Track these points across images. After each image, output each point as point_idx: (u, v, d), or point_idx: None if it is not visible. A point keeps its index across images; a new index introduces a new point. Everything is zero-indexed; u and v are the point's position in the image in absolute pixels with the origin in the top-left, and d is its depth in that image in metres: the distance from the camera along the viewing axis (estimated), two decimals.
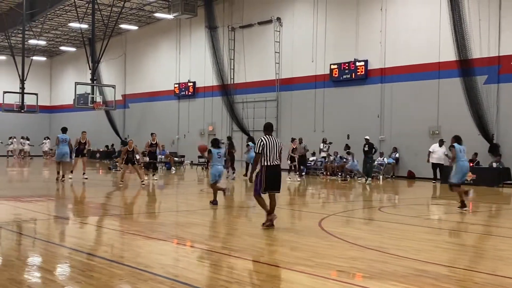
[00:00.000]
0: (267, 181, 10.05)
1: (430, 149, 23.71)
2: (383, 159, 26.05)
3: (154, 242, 9.05)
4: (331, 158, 27.58)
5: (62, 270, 7.03)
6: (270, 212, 10.18)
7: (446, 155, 23.39)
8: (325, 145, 27.60)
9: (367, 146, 24.27)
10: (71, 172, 21.95)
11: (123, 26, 41.34)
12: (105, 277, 6.45)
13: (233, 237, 9.77)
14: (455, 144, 14.30)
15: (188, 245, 8.84)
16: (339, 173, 26.61)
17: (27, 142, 45.61)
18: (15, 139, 45.50)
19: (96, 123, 46.08)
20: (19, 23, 39.80)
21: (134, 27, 42.55)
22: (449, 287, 6.31)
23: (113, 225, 11.05)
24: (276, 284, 6.33)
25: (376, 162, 25.94)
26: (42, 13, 38.92)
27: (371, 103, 27.62)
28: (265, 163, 10.07)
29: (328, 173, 27.26)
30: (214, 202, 13.82)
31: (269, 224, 10.10)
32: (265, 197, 10.33)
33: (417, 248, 8.57)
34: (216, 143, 14.24)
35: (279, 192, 10.43)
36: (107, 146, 43.28)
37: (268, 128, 10.51)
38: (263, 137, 10.22)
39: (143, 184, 19.56)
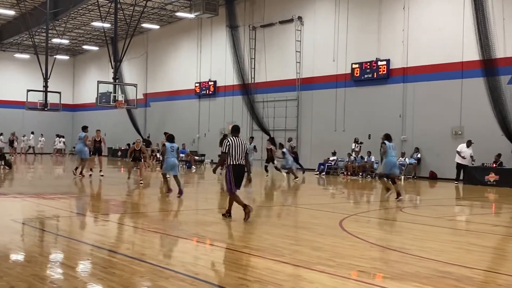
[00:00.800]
0: (235, 179, 10.84)
1: (458, 149, 23.37)
2: (405, 160, 25.84)
3: (174, 240, 9.08)
4: (352, 157, 27.46)
5: (84, 266, 7.09)
6: (247, 209, 10.83)
7: (472, 156, 23.16)
8: (357, 145, 27.30)
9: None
10: (90, 170, 22.34)
11: (145, 25, 41.62)
12: (126, 274, 6.49)
13: (254, 236, 9.76)
14: (386, 142, 15.83)
15: (208, 244, 8.85)
16: (360, 173, 26.53)
17: (43, 139, 46.51)
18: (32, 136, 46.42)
19: (118, 122, 46.47)
20: (42, 22, 40.25)
21: (156, 26, 42.79)
22: None
23: (134, 223, 11.12)
24: (296, 284, 6.31)
25: (397, 163, 25.76)
26: (66, 12, 39.33)
27: (393, 103, 27.42)
28: (231, 162, 10.82)
29: (349, 173, 27.14)
30: (168, 191, 15.40)
31: (247, 215, 10.77)
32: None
33: (439, 249, 8.48)
34: (171, 138, 15.65)
35: (239, 189, 11.17)
36: (128, 145, 43.56)
37: (235, 130, 11.24)
38: (230, 138, 10.98)
39: (141, 183, 19.34)
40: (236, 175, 10.89)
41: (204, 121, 39.36)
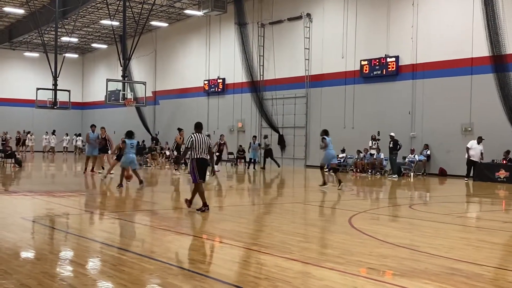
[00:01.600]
0: (199, 172, 11.75)
1: (468, 145, 23.25)
2: (414, 156, 25.75)
3: (184, 238, 9.10)
4: (361, 155, 27.39)
5: (93, 264, 7.12)
6: (205, 202, 11.83)
7: (482, 153, 23.05)
8: (374, 142, 27.14)
9: (391, 142, 24.18)
10: (102, 168, 22.50)
11: (154, 23, 41.68)
12: (136, 272, 6.52)
13: (263, 234, 9.77)
14: (326, 137, 18.46)
15: (217, 241, 8.87)
16: (369, 170, 26.47)
17: (54, 137, 46.70)
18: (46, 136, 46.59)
19: (127, 120, 46.59)
20: (51, 21, 40.42)
21: (165, 24, 42.85)
22: (482, 285, 6.20)
23: (143, 220, 11.16)
24: (306, 281, 6.30)
25: (407, 159, 25.74)
26: (74, 10, 39.46)
27: (402, 99, 27.32)
28: (194, 156, 11.75)
29: (358, 170, 27.09)
30: (120, 185, 16.68)
31: (203, 208, 11.73)
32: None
33: (449, 246, 8.46)
34: (130, 134, 17.34)
35: (204, 182, 12.16)
36: (138, 142, 43.65)
37: (198, 127, 12.15)
38: (193, 134, 11.87)
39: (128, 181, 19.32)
40: (199, 167, 11.78)
41: (213, 119, 39.39)
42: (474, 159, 23.08)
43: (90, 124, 24.24)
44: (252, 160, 29.29)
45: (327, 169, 18.82)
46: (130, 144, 17.10)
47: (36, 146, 45.84)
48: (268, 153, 29.96)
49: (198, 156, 11.73)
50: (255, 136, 31.37)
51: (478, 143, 23.11)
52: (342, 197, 16.55)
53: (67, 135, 48.74)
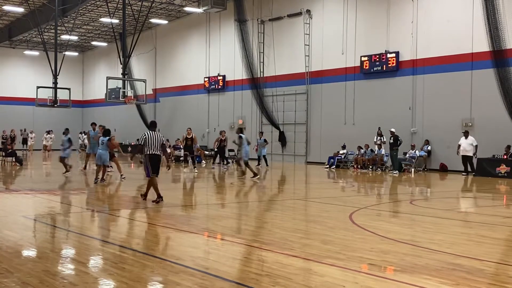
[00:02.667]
0: (152, 166, 12.56)
1: (459, 142, 23.45)
2: (415, 152, 25.74)
3: (185, 235, 9.11)
4: (362, 151, 27.38)
5: (95, 262, 7.13)
6: (159, 194, 12.70)
7: (476, 146, 23.13)
8: (379, 137, 26.96)
9: (392, 138, 24.21)
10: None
11: (153, 20, 41.62)
12: (137, 269, 6.52)
13: (264, 230, 9.78)
14: (241, 135, 20.26)
15: (218, 238, 8.87)
16: (370, 166, 26.48)
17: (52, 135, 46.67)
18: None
19: (127, 117, 46.63)
20: (51, 19, 40.40)
21: (164, 22, 42.80)
22: (483, 281, 6.20)
23: (144, 218, 11.17)
24: (306, 277, 6.31)
25: (407, 155, 25.74)
26: (74, 8, 39.43)
27: (403, 95, 27.30)
28: (147, 152, 12.57)
29: (359, 166, 27.09)
30: (95, 181, 17.68)
31: (157, 200, 12.61)
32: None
33: (450, 242, 8.46)
34: (107, 132, 18.61)
35: (157, 176, 12.91)
36: (138, 140, 43.66)
37: (151, 125, 13.27)
38: (146, 132, 12.79)
39: (123, 178, 19.25)
40: (152, 163, 12.61)
41: (214, 116, 39.39)
42: (465, 154, 23.27)
43: (90, 122, 24.27)
44: (261, 157, 28.79)
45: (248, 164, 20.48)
46: (101, 141, 18.35)
47: (36, 145, 45.86)
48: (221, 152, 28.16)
49: (150, 152, 12.57)
50: (261, 132, 31.12)
51: (466, 137, 23.28)
52: (343, 193, 16.56)
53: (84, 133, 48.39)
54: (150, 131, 12.84)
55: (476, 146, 23.16)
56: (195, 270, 6.47)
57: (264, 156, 28.77)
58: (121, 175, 19.25)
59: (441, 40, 25.74)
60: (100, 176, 18.09)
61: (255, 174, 20.00)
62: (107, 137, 18.42)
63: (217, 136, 29.28)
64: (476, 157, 23.29)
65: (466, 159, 23.44)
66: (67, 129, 23.10)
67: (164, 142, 13.05)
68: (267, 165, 28.25)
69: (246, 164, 20.43)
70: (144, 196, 13.10)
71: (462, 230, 10.02)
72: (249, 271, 6.56)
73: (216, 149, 27.93)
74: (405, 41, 27.15)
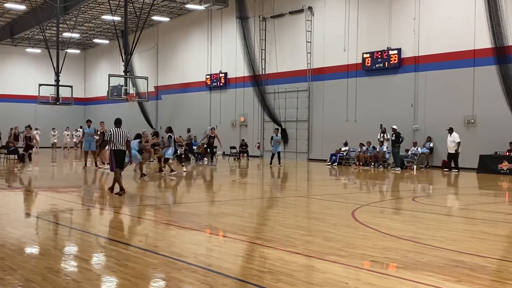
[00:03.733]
0: (116, 161, 13.54)
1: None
2: (417, 149, 25.73)
3: (187, 232, 9.12)
4: (364, 148, 27.38)
5: (98, 259, 7.14)
6: (122, 186, 13.62)
7: (458, 143, 23.40)
8: (382, 134, 26.87)
9: (394, 135, 24.21)
10: (102, 163, 22.80)
11: (155, 17, 41.64)
12: (140, 266, 6.54)
13: (266, 227, 9.79)
14: (170, 134, 20.44)
15: (221, 235, 8.88)
16: (372, 163, 26.48)
17: (56, 133, 46.76)
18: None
19: (129, 115, 46.56)
20: (53, 16, 40.39)
21: (166, 19, 42.80)
22: (486, 277, 6.20)
23: (147, 215, 11.18)
24: (309, 274, 6.32)
25: (410, 152, 25.73)
26: (76, 6, 39.46)
27: (405, 92, 27.28)
28: (113, 148, 13.52)
29: (361, 163, 27.09)
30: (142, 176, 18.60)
31: (120, 192, 13.53)
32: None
33: (452, 239, 8.46)
34: (138, 136, 19.81)
35: (123, 170, 13.98)
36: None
37: (116, 122, 13.87)
38: (112, 129, 13.60)
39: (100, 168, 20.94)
40: (117, 157, 13.58)
41: (216, 113, 39.40)
42: (451, 151, 23.67)
43: (93, 119, 24.42)
44: (276, 154, 27.00)
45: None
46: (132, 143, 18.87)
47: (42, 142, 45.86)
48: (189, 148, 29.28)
49: (115, 148, 13.53)
50: (277, 129, 29.40)
51: (450, 134, 23.50)
52: (345, 190, 16.54)
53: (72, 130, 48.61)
54: (116, 128, 13.61)
55: (459, 143, 23.34)
56: (198, 267, 6.48)
57: (278, 153, 27.11)
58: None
59: (443, 37, 25.71)
60: (142, 171, 19.12)
61: (172, 170, 20.49)
62: (138, 140, 19.68)
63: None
64: (458, 154, 23.53)
65: (450, 157, 23.62)
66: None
67: (128, 139, 13.95)
68: (279, 163, 27.26)
69: (166, 161, 20.81)
70: (111, 189, 13.97)
71: (465, 227, 10.02)
72: (251, 268, 6.56)
73: (206, 145, 27.89)
74: (407, 38, 27.12)
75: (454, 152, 23.53)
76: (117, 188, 13.74)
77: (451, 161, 23.68)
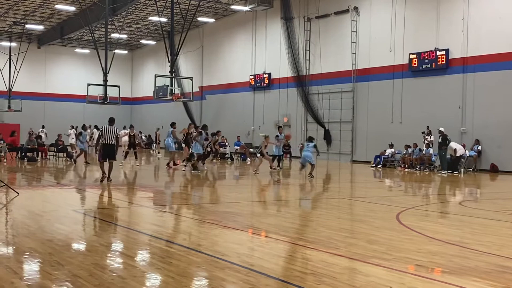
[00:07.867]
0: (103, 153, 16.51)
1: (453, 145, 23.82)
2: (465, 152, 25.18)
3: (230, 232, 9.17)
4: (410, 150, 26.96)
5: (142, 256, 7.25)
6: (104, 173, 16.52)
7: (455, 150, 23.22)
8: (427, 136, 26.43)
9: (441, 137, 23.75)
10: (183, 161, 23.86)
11: (201, 19, 42.00)
12: (183, 264, 6.61)
13: (309, 229, 9.75)
14: (201, 131, 22.05)
15: (263, 235, 8.89)
16: (418, 166, 26.04)
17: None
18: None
19: (174, 114, 47.08)
20: (102, 18, 41.17)
21: (211, 20, 43.13)
22: None
23: (190, 214, 11.29)
24: (352, 277, 6.26)
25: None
26: (124, 7, 40.13)
27: (452, 93, 26.75)
28: (103, 142, 16.46)
29: (406, 165, 26.68)
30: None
31: (102, 179, 16.41)
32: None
33: (499, 244, 8.25)
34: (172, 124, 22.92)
35: (115, 160, 16.86)
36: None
37: (109, 121, 16.73)
38: (104, 126, 16.55)
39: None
40: (105, 150, 16.48)
41: (259, 114, 39.47)
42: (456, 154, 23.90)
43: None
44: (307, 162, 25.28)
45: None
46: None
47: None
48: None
49: (105, 142, 16.44)
50: (311, 137, 23.72)
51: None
52: (390, 193, 16.33)
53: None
54: (108, 126, 16.49)
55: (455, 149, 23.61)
56: (240, 266, 6.50)
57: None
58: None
59: (493, 37, 25.10)
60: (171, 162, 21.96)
61: (195, 169, 21.22)
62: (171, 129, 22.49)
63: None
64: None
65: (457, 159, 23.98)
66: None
67: (118, 135, 16.92)
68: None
69: (192, 156, 21.99)
70: (102, 179, 16.43)
71: None
72: (293, 269, 6.55)
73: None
74: (456, 38, 26.59)
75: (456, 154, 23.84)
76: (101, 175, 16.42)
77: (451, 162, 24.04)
